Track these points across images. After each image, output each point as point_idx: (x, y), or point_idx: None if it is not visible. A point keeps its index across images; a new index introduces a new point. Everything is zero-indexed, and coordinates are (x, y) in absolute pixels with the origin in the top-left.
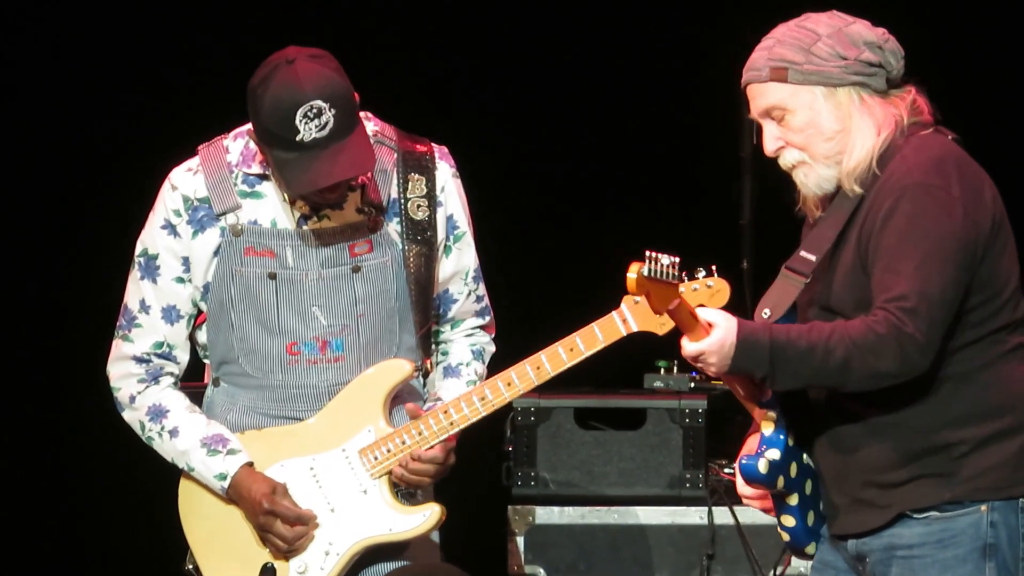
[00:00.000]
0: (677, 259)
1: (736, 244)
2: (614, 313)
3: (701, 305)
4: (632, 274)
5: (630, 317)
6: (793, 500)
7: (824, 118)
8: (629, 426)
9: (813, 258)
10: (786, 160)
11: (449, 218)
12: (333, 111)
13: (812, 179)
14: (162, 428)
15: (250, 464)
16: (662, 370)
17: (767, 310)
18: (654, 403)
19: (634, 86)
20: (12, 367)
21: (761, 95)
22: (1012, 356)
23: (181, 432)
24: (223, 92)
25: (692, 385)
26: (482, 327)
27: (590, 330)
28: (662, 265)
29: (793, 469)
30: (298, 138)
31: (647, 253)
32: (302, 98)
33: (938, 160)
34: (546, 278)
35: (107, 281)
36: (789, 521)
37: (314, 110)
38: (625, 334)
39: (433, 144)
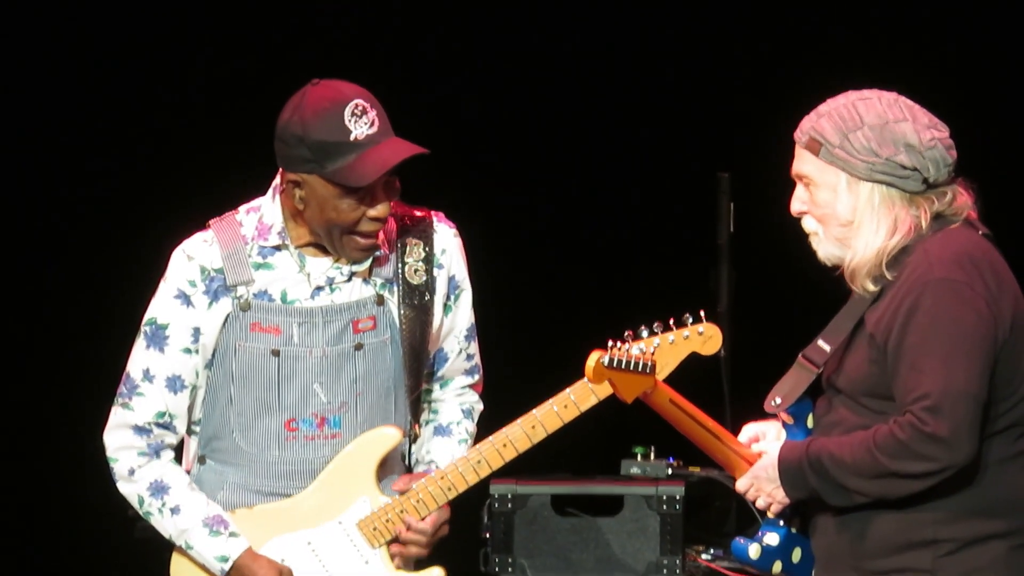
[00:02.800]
0: (651, 350)
1: None
2: (611, 342)
3: (694, 353)
4: (591, 362)
5: None
6: None
7: (841, 204)
8: (606, 512)
9: (828, 348)
10: (806, 226)
11: (451, 279)
12: (374, 111)
13: (822, 251)
14: (163, 504)
15: (250, 548)
16: (639, 456)
17: (778, 398)
18: (632, 489)
19: (614, 169)
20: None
21: (798, 158)
22: (1015, 462)
23: (183, 510)
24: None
25: (669, 472)
26: (471, 386)
27: (583, 385)
28: (631, 355)
29: (796, 555)
30: (352, 137)
31: (610, 343)
32: (345, 100)
33: (960, 256)
34: (534, 339)
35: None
36: None
37: (359, 108)
38: None
39: (431, 211)
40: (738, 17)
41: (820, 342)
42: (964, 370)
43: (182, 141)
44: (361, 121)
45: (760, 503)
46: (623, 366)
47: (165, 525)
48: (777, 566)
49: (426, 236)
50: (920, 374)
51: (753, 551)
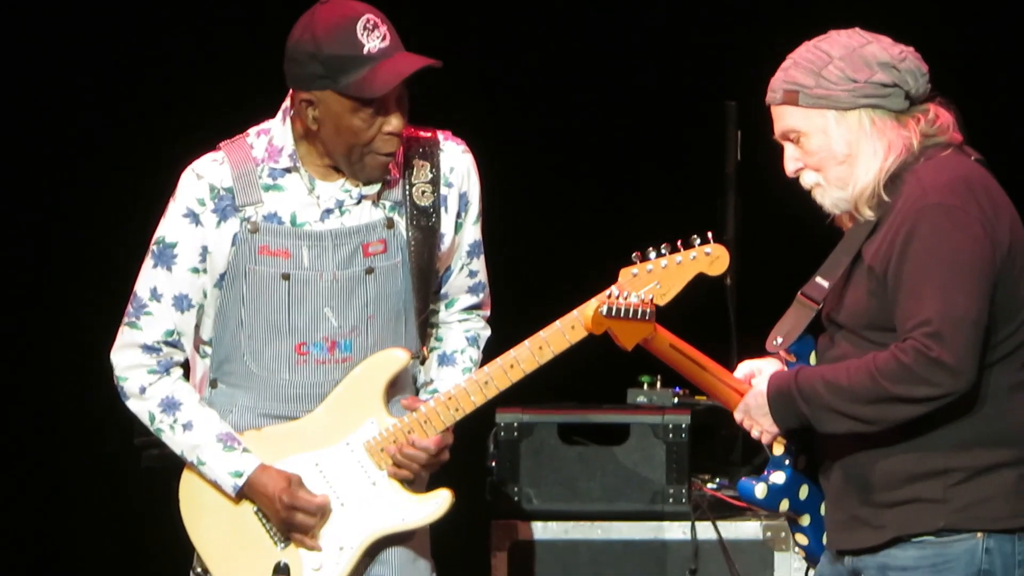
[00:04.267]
0: (650, 296)
1: None
2: (612, 288)
3: (701, 274)
4: (589, 312)
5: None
6: (805, 521)
7: (836, 142)
8: (612, 441)
9: (827, 285)
10: (805, 182)
11: (463, 195)
12: (385, 26)
13: (828, 200)
14: (175, 420)
15: (262, 463)
16: (645, 385)
17: (779, 337)
18: (637, 418)
19: (621, 100)
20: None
21: (778, 118)
22: (1020, 388)
23: (195, 426)
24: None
25: (676, 400)
26: (476, 307)
27: (587, 307)
28: (630, 303)
29: (803, 492)
30: (365, 50)
31: (611, 291)
32: (356, 15)
33: (954, 180)
34: (542, 265)
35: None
36: (803, 540)
37: (371, 22)
38: None
39: (438, 131)
40: None
41: (818, 279)
42: (963, 295)
43: (189, 67)
44: (373, 35)
45: (754, 434)
46: (622, 314)
47: (177, 441)
48: (784, 504)
49: (433, 156)
50: (919, 300)
51: (759, 490)
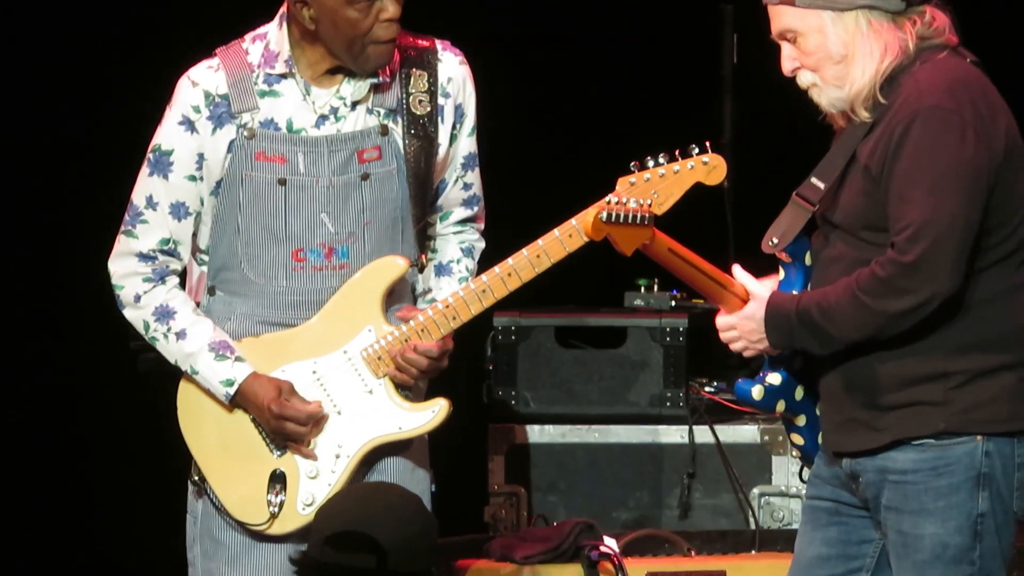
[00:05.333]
0: (648, 201)
1: None
2: (610, 196)
3: (699, 183)
4: (589, 218)
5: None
6: (801, 421)
7: (832, 42)
8: (610, 345)
9: (822, 185)
10: (801, 81)
11: (458, 107)
12: None
13: (824, 99)
14: (168, 329)
15: (254, 371)
16: (643, 288)
17: (775, 238)
18: (635, 321)
19: (617, 5)
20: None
21: (776, 18)
22: (1019, 290)
23: (189, 334)
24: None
25: (673, 304)
26: (471, 219)
27: (587, 215)
28: (628, 208)
29: (799, 392)
30: None
31: (610, 198)
32: None
33: (951, 83)
34: (538, 172)
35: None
36: (798, 440)
37: None
38: None
39: (436, 39)
40: None
41: (814, 179)
42: (951, 197)
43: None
44: None
45: (736, 347)
46: (621, 219)
47: (171, 350)
48: (781, 405)
49: (430, 66)
50: (907, 203)
51: (756, 392)
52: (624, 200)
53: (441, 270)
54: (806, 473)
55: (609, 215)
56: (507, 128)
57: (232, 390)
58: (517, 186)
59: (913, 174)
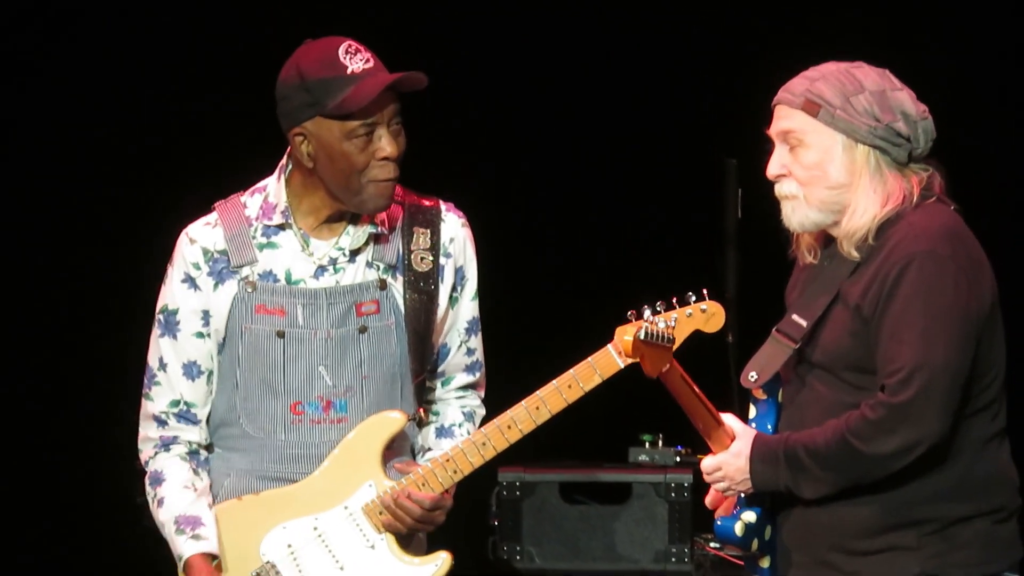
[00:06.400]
0: (672, 323)
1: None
2: (609, 346)
3: (697, 331)
4: (628, 337)
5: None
6: (765, 563)
7: (834, 167)
8: (614, 500)
9: (804, 323)
10: (781, 189)
11: (459, 269)
12: (369, 53)
13: (797, 216)
14: (155, 496)
15: (211, 556)
16: (647, 444)
17: (754, 373)
18: (640, 477)
19: (622, 155)
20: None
21: (787, 117)
22: (993, 441)
23: (165, 504)
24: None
25: (677, 459)
26: (472, 385)
27: (586, 365)
28: (658, 329)
29: (768, 532)
30: (348, 71)
31: (647, 315)
32: (338, 42)
33: (946, 230)
34: (540, 324)
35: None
36: None
37: (352, 48)
38: (622, 366)
39: (440, 200)
40: (747, 1)
41: (795, 316)
42: (943, 343)
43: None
44: (356, 57)
45: (719, 487)
46: (655, 339)
47: (154, 515)
48: (755, 544)
49: (433, 225)
50: (900, 345)
51: (739, 528)
52: (655, 321)
53: (443, 432)
54: None
55: (648, 334)
56: (510, 278)
57: (181, 564)
58: (518, 339)
59: (906, 317)
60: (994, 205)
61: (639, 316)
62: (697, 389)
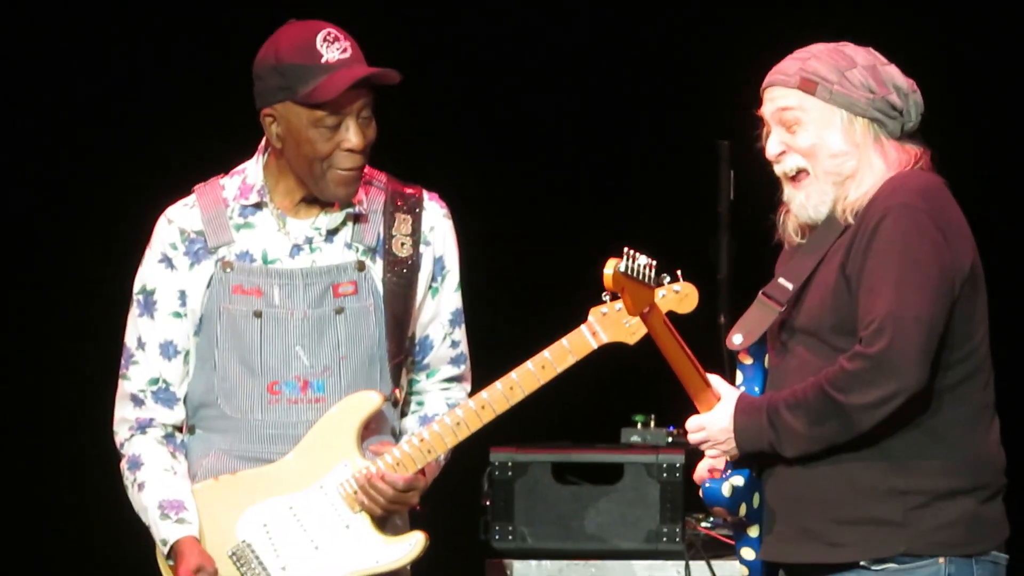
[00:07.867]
0: (654, 262)
1: (714, 299)
2: (583, 326)
3: (671, 312)
4: (608, 269)
5: (599, 329)
6: (754, 532)
7: (833, 139)
8: (606, 480)
9: (791, 287)
10: (786, 165)
11: (438, 259)
12: (348, 41)
13: (813, 201)
14: (134, 480)
15: (195, 538)
16: (639, 424)
17: (739, 336)
18: (631, 458)
19: (613, 138)
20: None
21: (782, 97)
22: (983, 419)
23: (146, 488)
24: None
25: (669, 440)
26: (457, 377)
27: (559, 345)
28: (639, 265)
29: (756, 499)
30: (323, 60)
31: (625, 249)
32: (318, 28)
33: (924, 187)
34: (523, 313)
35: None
36: (749, 554)
37: (331, 35)
38: (595, 346)
39: (424, 189)
40: None
41: (781, 280)
42: (915, 294)
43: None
44: (333, 47)
45: (703, 448)
46: (636, 274)
47: (134, 500)
48: (743, 509)
49: (415, 212)
50: (875, 297)
51: (727, 489)
52: (636, 255)
53: (425, 421)
54: None
55: (628, 268)
56: (497, 261)
57: (166, 549)
58: (504, 316)
59: (881, 269)
60: (987, 199)
61: (614, 296)
62: (682, 341)
